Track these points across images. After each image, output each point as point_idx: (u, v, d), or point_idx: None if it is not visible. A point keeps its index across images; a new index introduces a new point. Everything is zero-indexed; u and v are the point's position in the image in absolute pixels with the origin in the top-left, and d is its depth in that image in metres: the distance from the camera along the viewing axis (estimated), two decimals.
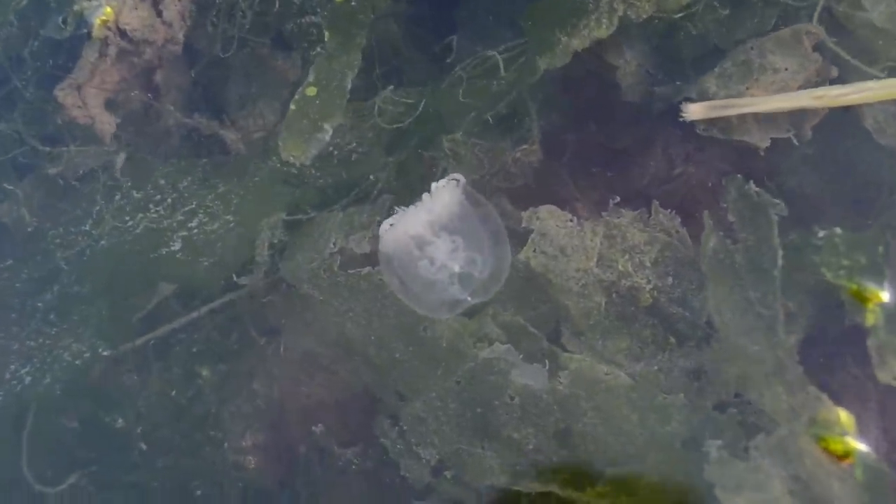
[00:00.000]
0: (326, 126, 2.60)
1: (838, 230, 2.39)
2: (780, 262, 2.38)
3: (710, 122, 2.50)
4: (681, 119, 2.48)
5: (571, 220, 2.50)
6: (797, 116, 2.48)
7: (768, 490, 2.29)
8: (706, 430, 2.43)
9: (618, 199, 2.51)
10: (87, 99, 2.59)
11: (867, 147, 2.52)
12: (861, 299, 2.39)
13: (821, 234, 2.41)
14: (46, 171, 2.78)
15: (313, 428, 2.64)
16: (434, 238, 2.44)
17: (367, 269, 2.55)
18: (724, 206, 2.48)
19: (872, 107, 2.50)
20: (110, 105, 2.73)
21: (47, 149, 2.74)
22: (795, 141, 2.49)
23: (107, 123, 2.65)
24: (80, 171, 2.78)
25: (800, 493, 2.30)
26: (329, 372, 2.65)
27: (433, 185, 2.44)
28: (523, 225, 2.50)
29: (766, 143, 2.49)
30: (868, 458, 2.30)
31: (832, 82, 2.47)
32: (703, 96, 2.48)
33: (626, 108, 2.63)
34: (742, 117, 2.49)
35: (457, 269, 2.46)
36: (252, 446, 2.66)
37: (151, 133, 2.75)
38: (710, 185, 2.56)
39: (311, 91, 2.59)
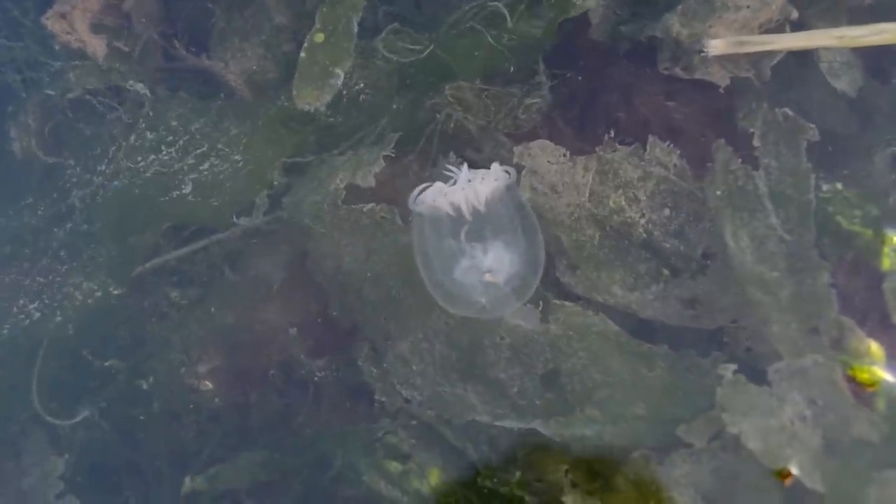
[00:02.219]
0: (338, 70, 2.71)
1: (839, 185, 2.50)
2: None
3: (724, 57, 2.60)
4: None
5: (564, 156, 2.58)
6: (758, 57, 2.59)
7: (778, 416, 2.35)
8: (690, 373, 2.48)
9: (612, 133, 2.57)
10: (75, 24, 2.64)
11: (822, 91, 2.61)
12: (879, 243, 2.47)
13: (825, 187, 2.50)
14: (48, 92, 2.90)
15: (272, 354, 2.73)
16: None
17: (370, 206, 2.64)
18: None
19: (830, 51, 2.61)
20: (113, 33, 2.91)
21: (57, 64, 2.88)
22: (755, 80, 2.58)
23: (98, 45, 2.85)
24: (78, 92, 2.85)
25: (812, 420, 2.36)
26: (303, 302, 2.76)
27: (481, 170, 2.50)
28: (515, 161, 2.59)
29: (726, 82, 2.58)
30: (893, 391, 2.37)
31: (793, 24, 2.58)
32: (666, 34, 2.58)
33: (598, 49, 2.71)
34: (703, 58, 2.58)
35: (487, 276, 2.48)
36: (208, 371, 2.76)
37: (161, 70, 2.86)
38: (690, 130, 2.64)
39: (319, 37, 2.72)
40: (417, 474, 2.59)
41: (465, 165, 2.45)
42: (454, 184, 2.46)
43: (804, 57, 2.60)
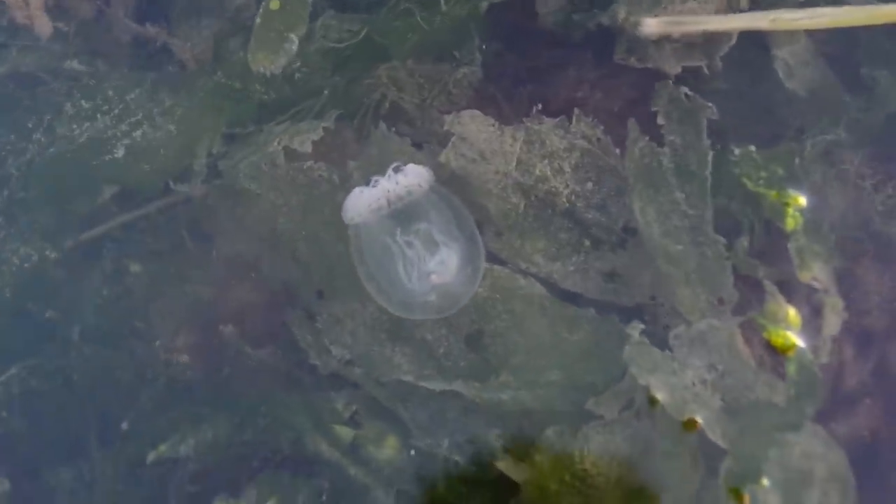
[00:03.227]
0: (292, 36, 2.87)
1: (752, 148, 2.67)
2: (709, 162, 2.63)
3: (656, 41, 2.76)
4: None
5: (493, 126, 2.73)
6: (709, 47, 2.76)
7: (681, 377, 2.51)
8: (611, 338, 2.62)
9: (540, 106, 2.74)
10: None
11: (775, 86, 2.78)
12: (783, 204, 2.64)
13: (737, 151, 2.68)
14: None
15: (221, 328, 2.81)
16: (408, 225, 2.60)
17: (308, 163, 2.77)
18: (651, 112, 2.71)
19: (783, 49, 2.78)
20: (61, 12, 2.97)
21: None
22: (706, 70, 2.76)
23: (45, 26, 2.97)
24: (25, 70, 2.95)
25: (712, 383, 2.53)
26: (258, 273, 2.83)
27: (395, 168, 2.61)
28: (445, 128, 2.73)
29: (677, 70, 2.74)
30: (804, 357, 2.54)
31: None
32: (612, 21, 2.77)
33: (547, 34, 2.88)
34: (659, 44, 2.75)
35: (431, 269, 2.59)
36: (184, 345, 2.80)
37: (102, 43, 2.88)
38: (615, 109, 2.76)
39: (275, 4, 2.89)
40: (373, 441, 2.72)
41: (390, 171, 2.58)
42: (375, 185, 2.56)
43: (758, 49, 2.78)
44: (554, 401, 2.61)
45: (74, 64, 2.95)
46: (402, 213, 2.56)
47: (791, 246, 2.61)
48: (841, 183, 2.69)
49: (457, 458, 2.63)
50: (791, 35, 2.76)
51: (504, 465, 2.58)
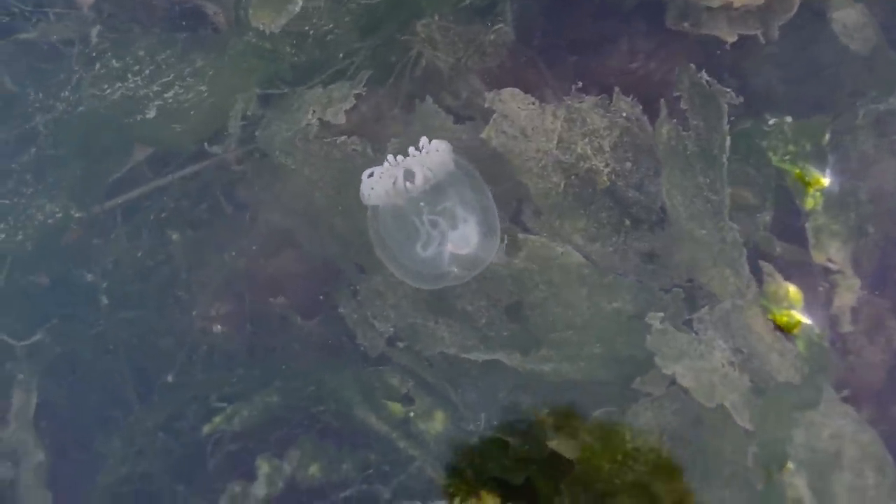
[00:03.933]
0: None
1: (788, 118, 2.73)
2: (727, 148, 2.66)
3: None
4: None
5: (533, 104, 2.76)
6: (766, 15, 2.77)
7: (709, 359, 2.59)
8: (652, 307, 2.69)
9: (580, 84, 2.78)
10: None
11: (833, 50, 2.80)
12: (804, 183, 2.72)
13: (771, 121, 2.74)
14: (26, 36, 2.94)
15: (271, 300, 2.85)
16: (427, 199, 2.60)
17: (342, 138, 2.79)
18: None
19: (841, 11, 2.80)
20: None
21: (28, 9, 2.87)
22: (762, 39, 2.78)
23: None
24: (56, 38, 2.99)
25: (739, 365, 2.61)
26: (294, 246, 2.87)
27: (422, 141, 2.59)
28: (486, 105, 2.76)
29: (733, 38, 2.76)
30: (812, 333, 2.64)
31: None
32: None
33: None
34: (713, 10, 2.76)
35: (448, 243, 2.62)
36: (219, 315, 2.85)
37: (134, 5, 2.89)
38: (667, 79, 2.78)
39: None
40: (421, 417, 2.80)
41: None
42: (398, 164, 2.57)
43: (815, 16, 2.79)
44: (596, 373, 2.71)
45: (106, 28, 2.89)
46: (423, 191, 2.58)
47: (808, 225, 2.71)
48: (890, 154, 2.75)
49: (507, 437, 2.71)
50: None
51: (556, 444, 2.66)
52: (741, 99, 2.69)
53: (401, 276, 2.69)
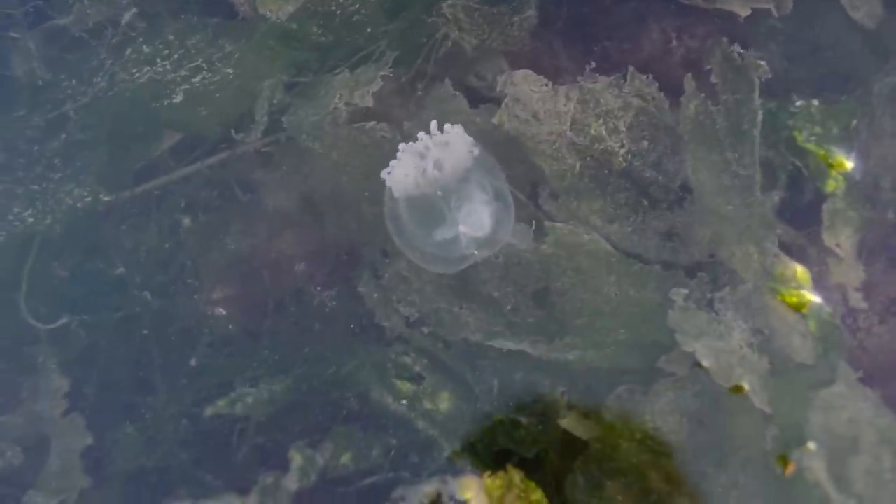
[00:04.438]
0: None
1: (815, 101, 2.75)
2: (759, 122, 2.71)
3: None
4: None
5: (546, 85, 2.82)
6: None
7: (727, 340, 2.62)
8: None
9: (594, 65, 2.80)
10: None
11: (843, 24, 2.83)
12: (827, 165, 2.74)
13: (798, 102, 2.77)
14: (58, 22, 2.97)
15: (297, 267, 2.88)
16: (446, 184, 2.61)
17: (371, 124, 2.82)
18: (706, 70, 2.79)
19: None
20: None
21: None
22: (775, 12, 2.82)
23: None
24: (91, 24, 3.05)
25: (759, 346, 2.64)
26: (305, 228, 2.91)
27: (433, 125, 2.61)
28: (498, 89, 2.83)
29: (746, 12, 2.81)
30: (822, 312, 2.65)
31: None
32: None
33: None
34: None
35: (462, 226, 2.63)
36: (223, 298, 2.87)
37: None
38: (692, 56, 2.83)
39: None
40: (430, 395, 2.80)
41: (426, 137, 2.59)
42: (409, 152, 2.59)
43: None
44: (621, 359, 2.72)
45: (137, 14, 2.92)
46: (442, 178, 2.58)
47: (826, 207, 2.73)
48: None
49: (522, 417, 2.72)
50: None
51: (568, 423, 2.69)
52: (770, 74, 2.74)
53: (421, 263, 2.72)
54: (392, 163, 2.58)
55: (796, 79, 2.82)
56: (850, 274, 2.71)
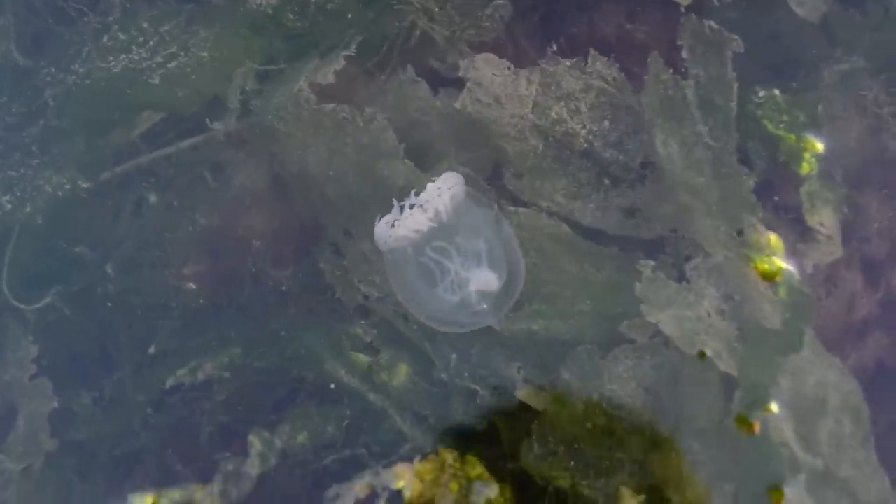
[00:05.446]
0: None
1: (776, 91, 2.82)
2: (735, 93, 2.78)
3: None
4: None
5: (509, 69, 2.88)
6: None
7: (696, 309, 2.69)
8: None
9: (555, 48, 2.85)
10: None
11: (787, 15, 2.90)
12: (799, 148, 2.80)
13: (761, 93, 2.83)
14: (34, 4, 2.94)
15: (248, 246, 2.93)
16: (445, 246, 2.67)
17: (331, 105, 2.89)
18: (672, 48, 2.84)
19: None
20: None
21: None
22: (716, 1, 2.88)
23: None
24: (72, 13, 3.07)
25: (730, 313, 2.71)
26: (271, 206, 2.97)
27: (430, 185, 2.67)
28: (460, 73, 2.89)
29: (687, 1, 2.86)
30: (792, 279, 2.71)
31: None
32: None
33: None
34: None
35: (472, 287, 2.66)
36: (192, 273, 2.91)
37: None
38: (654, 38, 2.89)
39: None
40: (386, 368, 2.85)
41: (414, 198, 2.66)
42: (411, 208, 2.64)
43: None
44: (586, 330, 2.78)
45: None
46: (438, 231, 2.64)
47: (803, 190, 2.79)
48: (859, 111, 2.84)
49: (478, 388, 2.77)
50: None
51: (524, 395, 2.75)
52: (742, 48, 2.81)
53: (428, 322, 2.75)
54: (387, 217, 2.64)
55: (744, 61, 2.85)
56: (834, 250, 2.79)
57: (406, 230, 2.61)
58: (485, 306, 2.66)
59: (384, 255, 2.71)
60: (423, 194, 2.64)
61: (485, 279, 2.65)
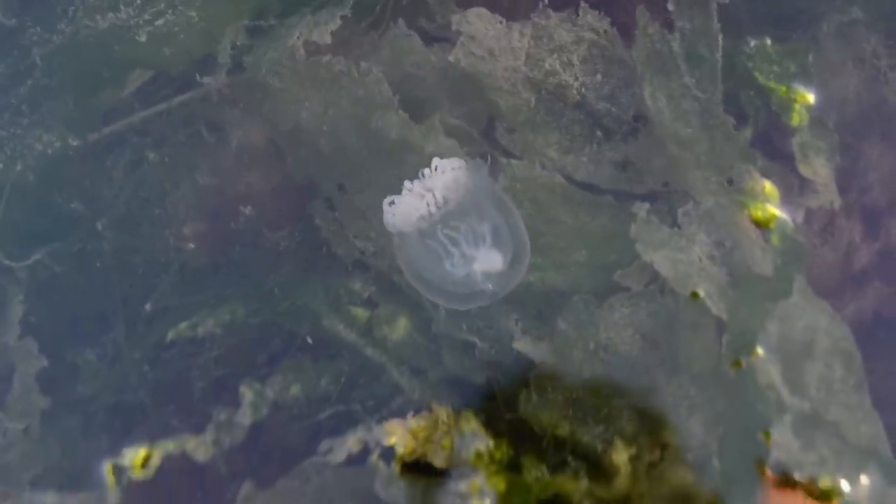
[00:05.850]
0: None
1: (769, 41, 2.82)
2: (720, 45, 2.79)
3: None
4: None
5: (501, 22, 2.88)
6: None
7: (687, 253, 2.74)
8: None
9: (546, 1, 2.87)
10: None
11: None
12: (790, 100, 2.82)
13: (752, 43, 2.85)
14: None
15: (241, 208, 2.93)
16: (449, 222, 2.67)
17: (328, 58, 2.89)
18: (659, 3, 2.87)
19: None
20: None
21: None
22: None
23: None
24: None
25: (720, 258, 2.75)
26: (267, 162, 2.98)
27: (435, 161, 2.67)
28: (453, 28, 2.90)
29: None
30: (786, 227, 2.74)
31: None
32: None
33: None
34: None
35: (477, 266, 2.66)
36: (192, 233, 2.89)
37: None
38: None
39: None
40: (385, 321, 2.87)
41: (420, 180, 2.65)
42: (414, 190, 2.63)
43: None
44: (581, 280, 2.82)
45: None
46: (445, 214, 2.64)
47: (795, 141, 2.82)
48: (857, 63, 2.86)
49: (476, 340, 2.79)
50: None
51: (522, 345, 2.78)
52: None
53: (434, 299, 2.78)
54: (395, 198, 2.64)
55: (743, 13, 2.88)
56: (832, 200, 2.82)
57: (408, 209, 2.61)
58: (490, 286, 2.68)
59: (392, 236, 2.73)
60: (427, 178, 2.63)
61: (490, 260, 2.67)
